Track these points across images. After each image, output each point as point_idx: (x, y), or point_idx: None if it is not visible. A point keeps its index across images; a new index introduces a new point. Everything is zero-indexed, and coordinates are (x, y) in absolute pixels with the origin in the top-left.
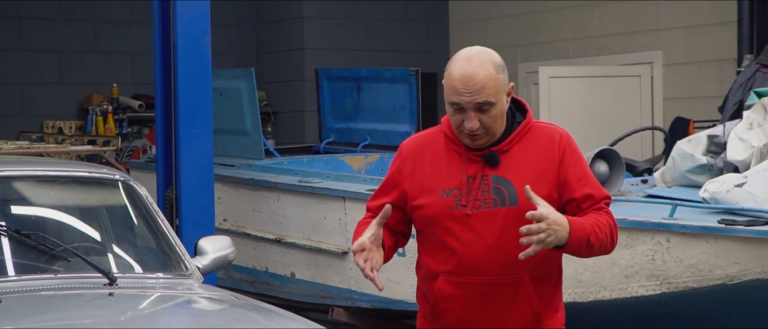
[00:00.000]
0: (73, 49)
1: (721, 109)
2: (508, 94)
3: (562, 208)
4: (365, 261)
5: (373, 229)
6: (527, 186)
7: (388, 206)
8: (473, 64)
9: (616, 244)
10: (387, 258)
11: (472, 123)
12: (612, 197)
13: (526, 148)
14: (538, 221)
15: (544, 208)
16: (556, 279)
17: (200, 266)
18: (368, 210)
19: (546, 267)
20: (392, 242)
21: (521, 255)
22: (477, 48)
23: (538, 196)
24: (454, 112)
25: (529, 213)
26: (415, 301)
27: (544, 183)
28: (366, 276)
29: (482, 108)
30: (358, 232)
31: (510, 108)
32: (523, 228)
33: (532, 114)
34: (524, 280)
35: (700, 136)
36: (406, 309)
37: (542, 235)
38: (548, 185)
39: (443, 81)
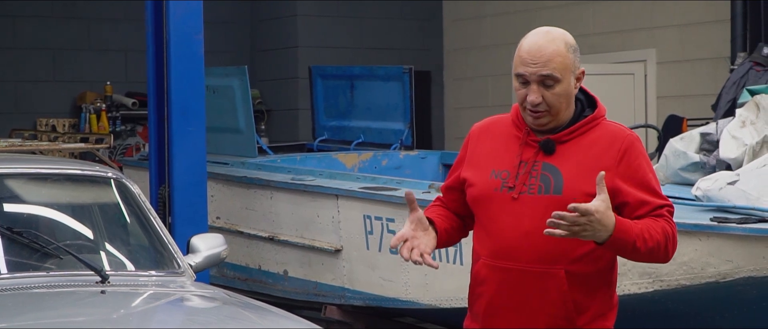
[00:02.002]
0: (67, 46)
1: (715, 107)
2: (578, 79)
3: (614, 210)
4: (410, 250)
5: (408, 221)
6: (601, 173)
7: (409, 192)
8: (543, 38)
9: (673, 254)
10: (447, 242)
11: (535, 96)
12: (674, 205)
13: (587, 143)
14: (583, 214)
15: (599, 203)
16: (603, 282)
17: (193, 264)
18: (438, 197)
19: (587, 266)
20: (456, 225)
21: (546, 231)
22: (553, 27)
23: (606, 193)
24: (520, 85)
25: (574, 205)
26: (408, 299)
27: (594, 181)
28: (416, 262)
29: (546, 82)
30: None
31: (581, 101)
32: (556, 213)
33: (604, 111)
34: (559, 274)
35: (692, 133)
36: (399, 307)
37: (576, 228)
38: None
39: (514, 58)
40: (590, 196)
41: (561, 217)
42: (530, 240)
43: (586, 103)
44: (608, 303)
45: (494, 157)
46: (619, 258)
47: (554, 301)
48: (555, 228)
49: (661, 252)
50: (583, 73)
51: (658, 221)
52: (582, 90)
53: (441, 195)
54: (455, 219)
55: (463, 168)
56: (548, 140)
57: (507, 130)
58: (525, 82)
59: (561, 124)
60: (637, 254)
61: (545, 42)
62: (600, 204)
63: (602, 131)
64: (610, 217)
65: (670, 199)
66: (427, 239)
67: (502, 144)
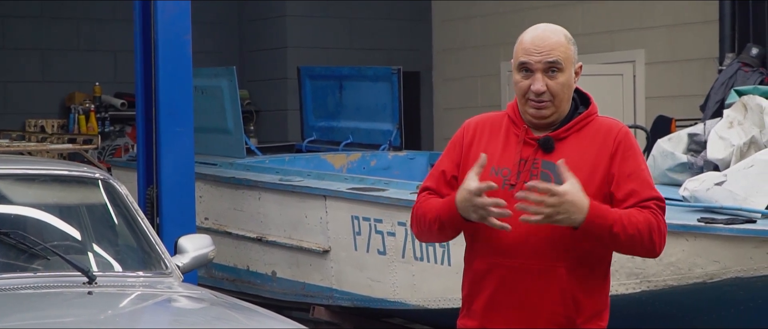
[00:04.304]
0: (56, 47)
1: (703, 108)
2: (576, 73)
3: (606, 197)
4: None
5: (478, 181)
6: (561, 161)
7: (483, 156)
8: (545, 30)
9: (661, 248)
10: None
11: (540, 84)
12: (665, 200)
13: (583, 138)
14: (551, 195)
15: (568, 186)
16: (600, 280)
17: (180, 265)
18: (424, 189)
19: (587, 264)
20: None
21: (521, 218)
22: (550, 23)
23: (574, 178)
24: (522, 77)
25: (534, 183)
26: (396, 300)
27: (596, 176)
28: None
29: (550, 70)
30: (425, 207)
31: (574, 99)
32: (520, 194)
33: (597, 108)
34: (560, 271)
35: (680, 134)
36: (387, 308)
37: (548, 210)
38: (599, 178)
39: (514, 52)
40: (596, 193)
41: (526, 198)
42: (530, 237)
43: (579, 100)
44: (604, 302)
45: (493, 154)
46: (613, 257)
47: (555, 299)
48: (530, 215)
49: (644, 241)
50: (581, 67)
51: (643, 211)
52: (574, 88)
53: (428, 191)
54: None
55: (462, 161)
56: (547, 138)
57: (504, 127)
58: (529, 71)
59: (560, 118)
60: (617, 241)
61: (548, 33)
62: (569, 186)
63: (597, 126)
64: (583, 200)
65: (662, 194)
66: None
67: (501, 141)
